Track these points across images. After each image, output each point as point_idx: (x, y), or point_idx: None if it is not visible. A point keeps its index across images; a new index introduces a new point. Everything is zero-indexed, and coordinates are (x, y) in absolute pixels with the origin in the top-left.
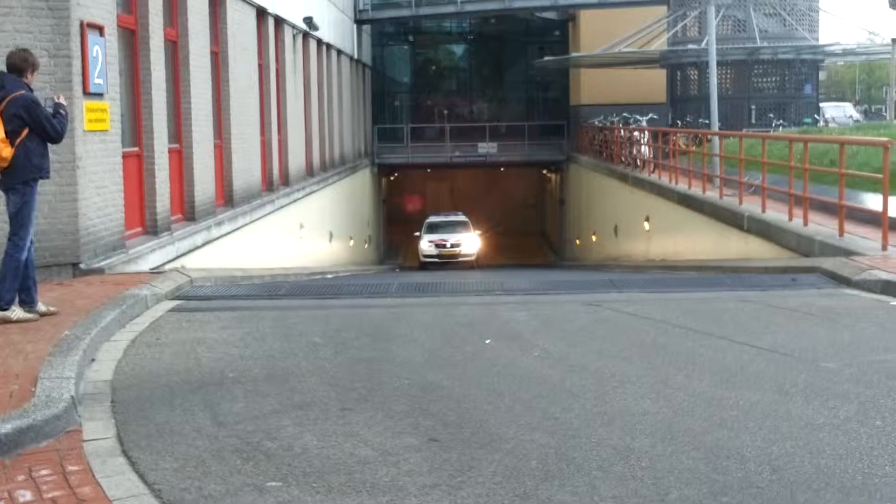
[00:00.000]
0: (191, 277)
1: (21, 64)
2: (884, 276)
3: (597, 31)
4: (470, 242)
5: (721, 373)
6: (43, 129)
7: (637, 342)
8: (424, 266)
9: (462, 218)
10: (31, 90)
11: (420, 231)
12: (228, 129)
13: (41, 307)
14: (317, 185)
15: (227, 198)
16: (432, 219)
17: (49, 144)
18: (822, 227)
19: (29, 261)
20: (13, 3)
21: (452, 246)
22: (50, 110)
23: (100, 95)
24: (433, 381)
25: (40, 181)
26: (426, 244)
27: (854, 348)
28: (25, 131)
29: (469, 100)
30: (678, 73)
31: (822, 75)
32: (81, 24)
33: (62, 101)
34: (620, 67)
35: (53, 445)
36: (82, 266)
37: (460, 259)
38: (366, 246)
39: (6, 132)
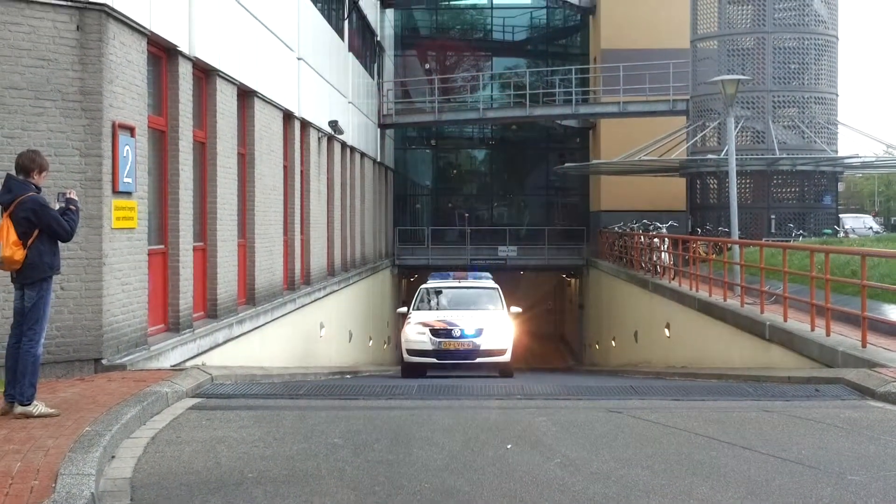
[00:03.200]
0: (211, 375)
1: (29, 164)
2: None
3: (617, 138)
4: (500, 328)
5: (746, 484)
6: (52, 230)
7: (660, 451)
8: (410, 370)
9: (488, 283)
10: (39, 190)
11: (409, 304)
12: (252, 228)
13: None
14: (338, 284)
15: (249, 296)
16: (433, 283)
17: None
18: (844, 337)
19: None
20: (47, 104)
21: (464, 335)
22: (62, 204)
23: (128, 194)
24: (454, 486)
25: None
26: (415, 329)
27: (880, 461)
28: (36, 232)
29: (489, 203)
30: (698, 181)
31: (840, 186)
32: (113, 125)
33: (73, 196)
34: (640, 175)
35: None
36: (104, 362)
37: (479, 359)
38: (385, 346)
39: (18, 234)
